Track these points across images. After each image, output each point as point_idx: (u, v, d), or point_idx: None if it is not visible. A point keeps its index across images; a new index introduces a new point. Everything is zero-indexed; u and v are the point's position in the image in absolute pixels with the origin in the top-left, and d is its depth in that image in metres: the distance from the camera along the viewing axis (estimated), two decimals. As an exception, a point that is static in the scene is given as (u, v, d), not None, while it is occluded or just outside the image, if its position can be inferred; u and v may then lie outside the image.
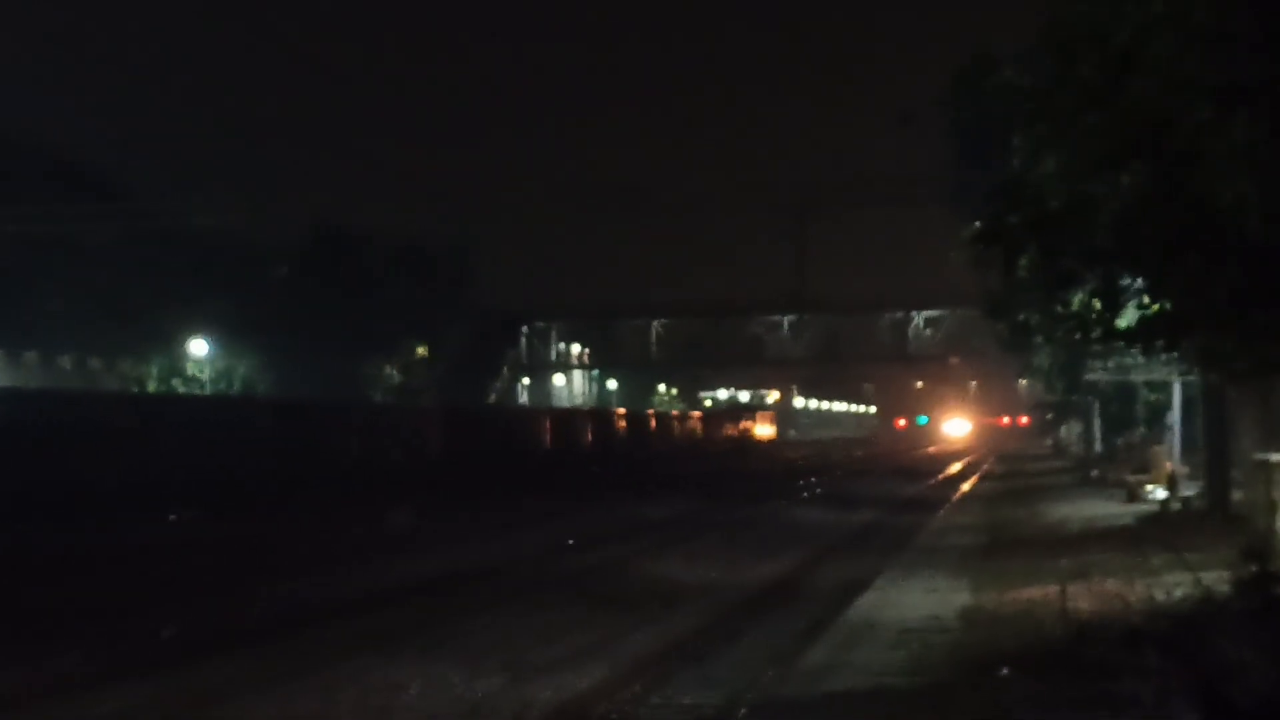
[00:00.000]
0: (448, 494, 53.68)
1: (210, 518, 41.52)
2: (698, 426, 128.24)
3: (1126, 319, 17.36)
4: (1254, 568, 17.77)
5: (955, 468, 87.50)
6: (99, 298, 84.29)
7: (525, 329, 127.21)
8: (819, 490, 61.35)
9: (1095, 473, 56.14)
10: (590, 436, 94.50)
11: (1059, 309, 19.04)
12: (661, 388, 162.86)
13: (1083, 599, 19.96)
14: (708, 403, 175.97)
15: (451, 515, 44.83)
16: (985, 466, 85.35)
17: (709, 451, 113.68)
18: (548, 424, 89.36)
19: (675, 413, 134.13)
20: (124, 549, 33.98)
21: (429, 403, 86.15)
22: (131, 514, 40.95)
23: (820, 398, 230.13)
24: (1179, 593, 19.43)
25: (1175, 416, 41.95)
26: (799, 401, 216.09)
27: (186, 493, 45.28)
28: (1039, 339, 28.41)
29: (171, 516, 41.66)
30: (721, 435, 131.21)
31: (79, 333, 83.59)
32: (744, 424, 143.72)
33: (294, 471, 55.26)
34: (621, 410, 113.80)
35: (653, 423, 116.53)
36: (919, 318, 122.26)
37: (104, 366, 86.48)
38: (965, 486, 61.52)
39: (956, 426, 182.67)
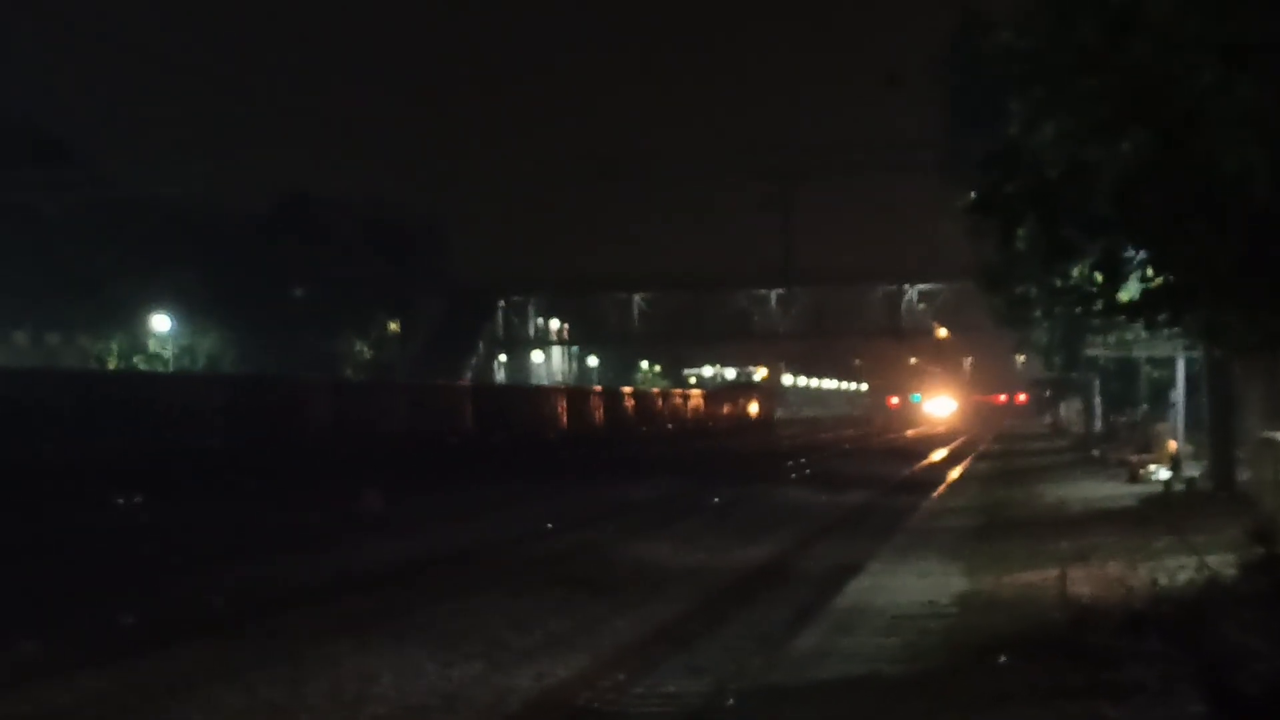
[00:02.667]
0: (478, 470, 54.74)
1: (193, 499, 40.87)
2: (700, 405, 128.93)
3: (1128, 292, 16.88)
4: (1260, 550, 17.41)
5: (950, 448, 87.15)
6: (56, 269, 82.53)
7: (501, 303, 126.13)
8: (809, 471, 60.88)
9: (1096, 452, 55.78)
10: (602, 414, 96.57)
11: (1058, 282, 18.57)
12: (644, 364, 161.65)
13: (1083, 583, 19.52)
14: (692, 380, 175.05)
15: (470, 491, 45.49)
16: (982, 446, 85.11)
17: (713, 430, 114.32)
18: (564, 402, 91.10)
19: (678, 391, 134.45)
20: (92, 532, 33.30)
21: (464, 381, 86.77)
22: (114, 494, 40.12)
23: (809, 375, 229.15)
24: (1183, 576, 18.95)
25: (1179, 393, 41.47)
26: (787, 379, 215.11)
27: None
28: (1037, 313, 28.04)
29: (135, 499, 40.71)
30: (723, 413, 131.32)
31: (35, 306, 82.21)
32: (742, 402, 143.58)
33: (342, 451, 56.45)
34: (629, 389, 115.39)
35: (659, 401, 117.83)
36: (912, 291, 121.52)
37: (62, 342, 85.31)
38: (961, 467, 61.18)
39: (940, 405, 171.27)
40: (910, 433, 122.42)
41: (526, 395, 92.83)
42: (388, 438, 62.36)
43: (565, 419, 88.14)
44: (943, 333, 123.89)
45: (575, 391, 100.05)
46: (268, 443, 53.28)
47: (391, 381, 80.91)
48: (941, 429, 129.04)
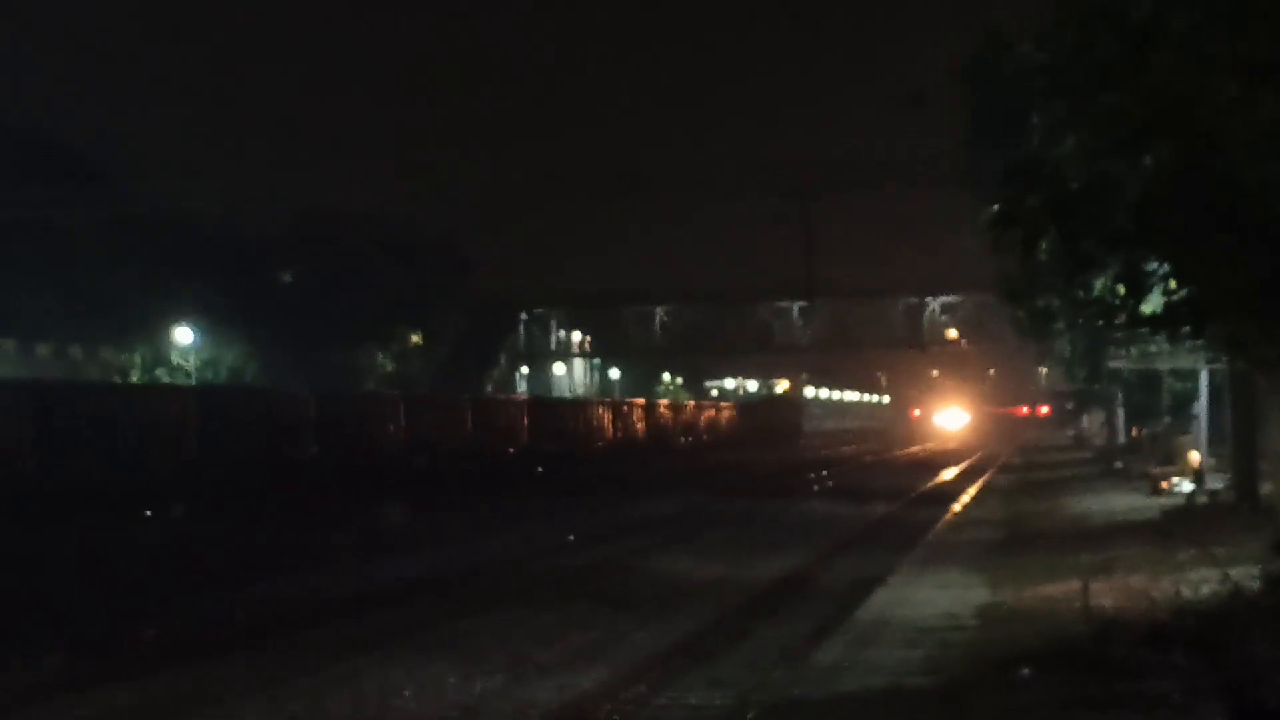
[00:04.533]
0: (530, 480, 59.98)
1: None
2: (734, 417, 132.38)
3: (1151, 304, 16.85)
4: (1283, 563, 17.33)
5: (972, 461, 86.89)
6: (80, 284, 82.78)
7: (524, 316, 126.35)
8: (831, 483, 61.01)
9: (1118, 464, 55.64)
10: (644, 428, 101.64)
11: (1080, 294, 18.52)
12: (666, 376, 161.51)
13: (1106, 596, 19.45)
14: (714, 392, 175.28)
15: (515, 500, 48.08)
16: (1003, 459, 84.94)
17: (745, 441, 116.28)
18: (610, 415, 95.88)
19: (711, 404, 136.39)
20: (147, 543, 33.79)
21: (517, 396, 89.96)
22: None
23: (831, 387, 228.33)
24: (1206, 589, 18.88)
25: (1201, 406, 41.35)
26: (809, 391, 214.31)
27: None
28: (1059, 325, 27.96)
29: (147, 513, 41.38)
30: (755, 425, 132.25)
31: (59, 320, 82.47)
32: (773, 415, 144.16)
33: (414, 462, 61.95)
34: (664, 402, 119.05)
35: (697, 414, 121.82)
36: (934, 304, 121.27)
37: (85, 355, 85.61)
38: (983, 479, 61.03)
39: (951, 418, 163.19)
40: (932, 446, 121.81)
41: (576, 408, 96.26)
42: (455, 449, 67.14)
43: (610, 431, 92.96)
44: (953, 333, 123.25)
45: (619, 405, 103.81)
46: (352, 454, 58.24)
47: (457, 396, 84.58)
48: (953, 444, 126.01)
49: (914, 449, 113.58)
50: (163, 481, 44.42)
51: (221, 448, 50.28)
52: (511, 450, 73.82)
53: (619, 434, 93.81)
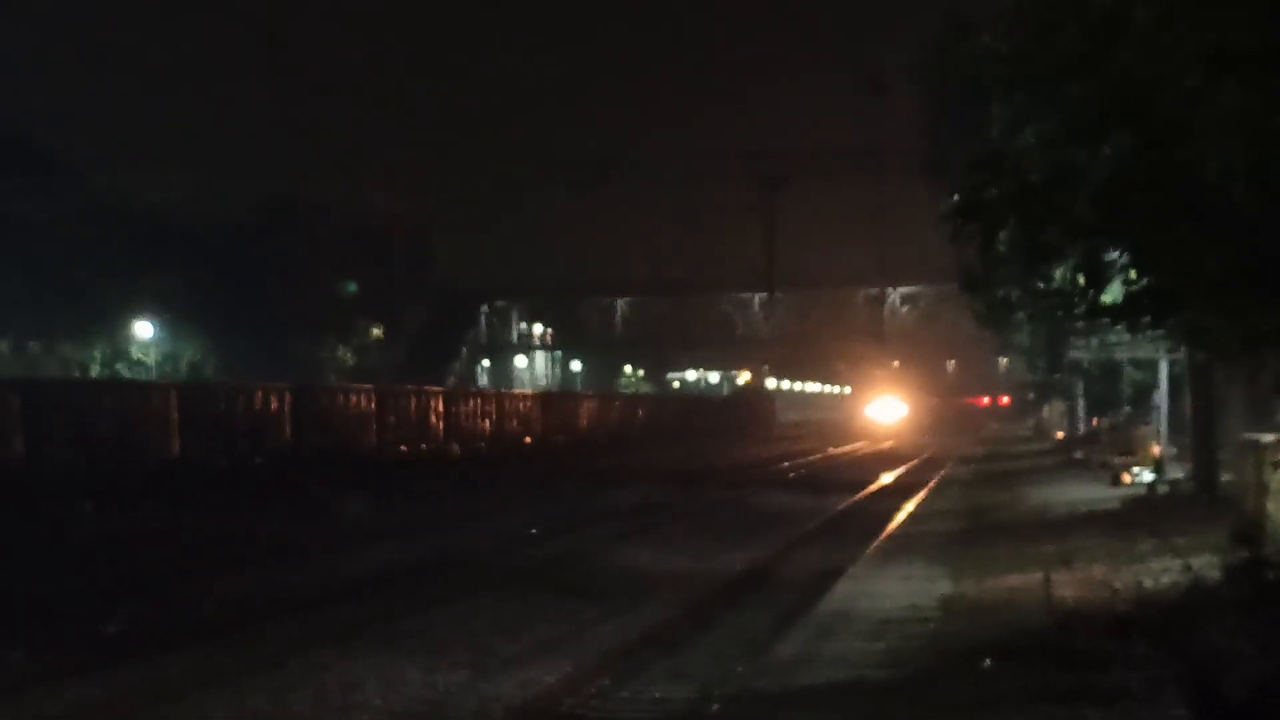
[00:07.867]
0: (539, 466, 64.06)
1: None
2: (719, 409, 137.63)
3: (1111, 294, 16.84)
4: (1244, 553, 17.44)
5: (933, 453, 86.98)
6: (38, 277, 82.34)
7: (485, 308, 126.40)
8: (793, 475, 61.18)
9: (1079, 455, 55.76)
10: (638, 420, 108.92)
11: (1040, 285, 18.53)
12: (627, 369, 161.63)
13: (1067, 587, 19.51)
14: (675, 384, 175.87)
15: (514, 489, 50.39)
16: (964, 450, 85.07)
17: (726, 433, 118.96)
18: (610, 408, 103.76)
19: (696, 398, 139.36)
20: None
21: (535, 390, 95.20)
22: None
23: (793, 378, 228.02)
24: (1167, 579, 18.95)
25: (1161, 396, 41.44)
26: (771, 382, 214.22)
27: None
28: (1020, 315, 28.00)
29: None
30: (734, 418, 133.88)
31: (17, 314, 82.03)
32: (750, 408, 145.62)
33: (451, 451, 68.23)
34: (642, 395, 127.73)
35: (685, 406, 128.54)
36: (895, 294, 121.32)
37: (44, 349, 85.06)
38: (944, 471, 61.10)
39: (885, 410, 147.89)
40: (895, 439, 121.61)
41: (580, 401, 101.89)
42: (485, 438, 74.55)
43: (611, 422, 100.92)
44: (904, 311, 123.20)
45: (616, 399, 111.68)
46: (403, 442, 64.50)
47: (488, 390, 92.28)
48: (913, 437, 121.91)
49: (877, 441, 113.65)
50: (260, 467, 50.97)
51: (310, 439, 56.21)
52: (529, 440, 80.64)
53: (617, 425, 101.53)
